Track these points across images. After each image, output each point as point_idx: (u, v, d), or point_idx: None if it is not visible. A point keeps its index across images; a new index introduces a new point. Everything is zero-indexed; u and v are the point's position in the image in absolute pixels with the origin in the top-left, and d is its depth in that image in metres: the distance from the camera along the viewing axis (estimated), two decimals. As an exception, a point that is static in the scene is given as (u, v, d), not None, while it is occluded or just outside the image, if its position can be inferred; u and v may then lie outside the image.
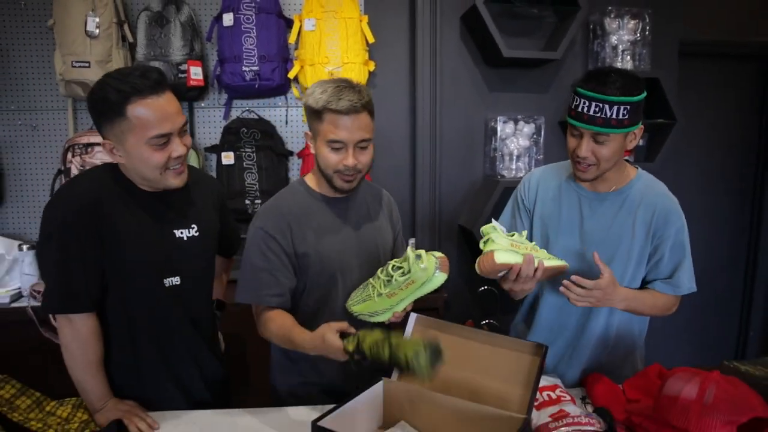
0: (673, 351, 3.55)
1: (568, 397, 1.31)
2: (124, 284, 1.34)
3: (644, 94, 1.37)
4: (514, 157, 2.72)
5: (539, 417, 1.23)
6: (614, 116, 1.34)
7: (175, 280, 1.40)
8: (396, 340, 1.14)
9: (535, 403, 1.26)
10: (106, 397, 1.33)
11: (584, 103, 1.36)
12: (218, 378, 1.56)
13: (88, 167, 2.47)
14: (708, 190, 3.51)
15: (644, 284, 1.54)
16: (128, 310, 1.36)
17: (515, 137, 2.71)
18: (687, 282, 1.49)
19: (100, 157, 2.48)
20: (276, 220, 1.41)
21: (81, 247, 1.27)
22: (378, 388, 1.28)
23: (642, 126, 1.42)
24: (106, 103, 1.22)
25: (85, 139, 2.47)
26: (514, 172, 2.71)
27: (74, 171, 2.47)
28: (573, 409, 1.23)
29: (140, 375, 1.40)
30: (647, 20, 2.72)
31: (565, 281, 1.37)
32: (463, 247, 2.87)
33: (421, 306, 1.94)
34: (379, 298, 1.25)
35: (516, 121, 2.72)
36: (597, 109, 1.34)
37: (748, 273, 3.66)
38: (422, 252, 1.21)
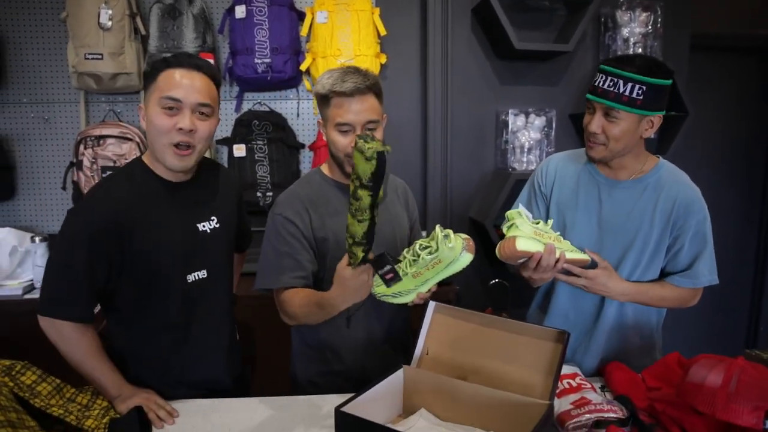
0: (680, 347, 3.54)
1: (589, 385, 1.30)
2: (150, 285, 1.35)
3: (667, 81, 1.36)
4: (525, 150, 2.72)
5: (560, 404, 1.23)
6: (627, 93, 1.34)
7: (202, 274, 1.41)
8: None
9: (556, 391, 1.26)
10: (119, 384, 1.33)
11: (601, 78, 1.38)
12: (238, 367, 1.58)
13: (100, 159, 2.49)
14: (717, 183, 3.50)
15: (663, 276, 1.53)
16: (153, 307, 1.37)
17: (526, 130, 2.71)
18: (707, 273, 1.48)
19: (112, 149, 2.49)
20: (293, 205, 1.42)
21: (90, 266, 1.26)
22: (398, 375, 1.28)
23: (661, 115, 1.41)
24: (152, 69, 1.31)
25: (97, 132, 2.47)
26: (525, 164, 2.71)
27: (86, 163, 2.48)
28: (594, 397, 1.23)
29: (166, 367, 1.41)
30: (659, 12, 2.71)
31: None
32: (475, 240, 2.85)
33: (433, 298, 1.94)
34: (405, 278, 1.24)
35: (527, 114, 2.72)
36: (611, 84, 1.35)
37: (758, 266, 3.65)
38: (450, 232, 1.21)
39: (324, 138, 1.44)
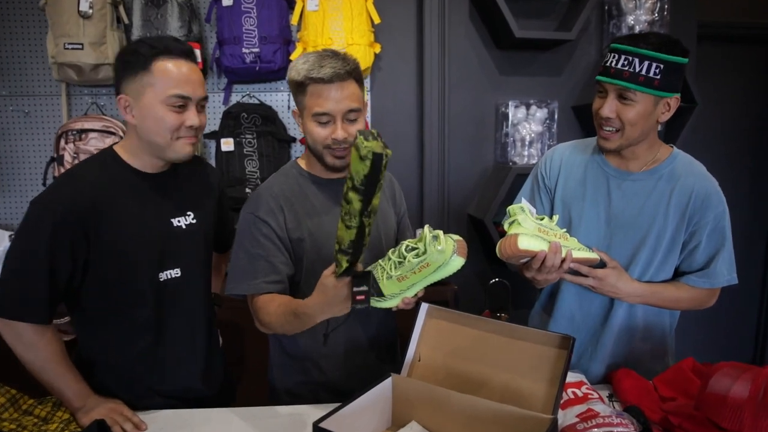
0: (685, 350, 3.41)
1: (596, 395, 1.19)
2: (119, 282, 1.24)
3: (684, 60, 1.25)
4: (527, 143, 2.60)
5: (565, 417, 1.12)
6: (644, 72, 1.23)
7: (175, 273, 1.31)
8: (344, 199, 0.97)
9: (560, 403, 1.14)
10: (83, 395, 1.22)
11: (614, 57, 1.26)
12: (219, 374, 1.47)
13: (82, 154, 2.38)
14: (724, 177, 3.36)
15: (677, 275, 1.41)
16: (122, 307, 1.26)
17: (527, 122, 2.59)
18: (725, 273, 1.36)
19: (94, 143, 2.37)
20: (267, 203, 1.30)
21: (52, 260, 1.16)
22: (386, 385, 1.17)
23: (678, 97, 1.30)
24: (135, 55, 1.20)
25: (78, 125, 2.36)
26: (526, 158, 2.59)
27: (67, 158, 2.37)
28: (602, 408, 1.11)
29: (136, 375, 1.30)
30: (666, -1, 2.59)
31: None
32: (474, 237, 2.75)
33: (429, 299, 1.82)
34: (389, 282, 1.12)
35: (528, 106, 2.60)
36: (626, 63, 1.24)
37: (768, 265, 3.53)
38: (439, 233, 1.09)
39: (300, 128, 1.32)
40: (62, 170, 2.39)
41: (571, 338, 1.10)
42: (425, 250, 1.07)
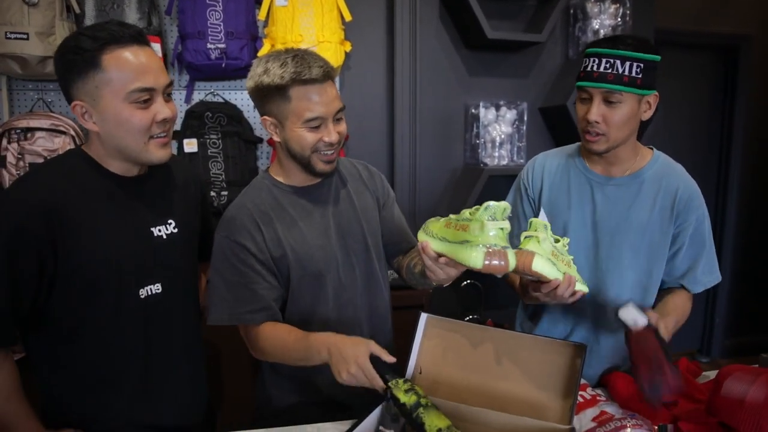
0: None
1: (604, 397, 1.18)
2: (90, 301, 1.09)
3: (658, 57, 1.28)
4: (497, 145, 2.61)
5: (580, 422, 1.10)
6: (626, 72, 1.25)
7: (156, 288, 1.17)
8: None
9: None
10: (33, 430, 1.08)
11: (594, 62, 1.27)
12: (203, 399, 1.34)
13: (28, 155, 2.18)
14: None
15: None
16: (93, 330, 1.11)
17: (497, 124, 2.60)
18: (708, 274, 1.39)
19: (42, 143, 2.18)
20: (242, 224, 1.21)
21: (13, 272, 1.01)
22: (392, 400, 1.11)
23: (657, 94, 1.31)
24: (78, 52, 1.03)
25: (23, 123, 2.16)
26: (497, 160, 2.60)
27: (11, 160, 2.17)
28: (614, 410, 1.10)
29: (105, 406, 1.15)
30: (628, 5, 2.66)
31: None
32: (444, 239, 2.73)
33: (405, 303, 1.76)
34: (441, 220, 1.09)
35: (498, 107, 2.60)
36: (608, 65, 1.25)
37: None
38: (505, 225, 0.96)
39: (276, 138, 1.22)
40: (4, 172, 2.19)
41: (584, 346, 1.09)
42: (478, 216, 0.96)
